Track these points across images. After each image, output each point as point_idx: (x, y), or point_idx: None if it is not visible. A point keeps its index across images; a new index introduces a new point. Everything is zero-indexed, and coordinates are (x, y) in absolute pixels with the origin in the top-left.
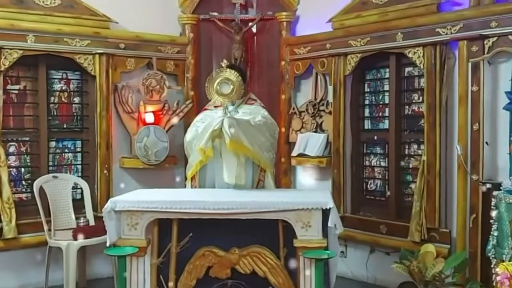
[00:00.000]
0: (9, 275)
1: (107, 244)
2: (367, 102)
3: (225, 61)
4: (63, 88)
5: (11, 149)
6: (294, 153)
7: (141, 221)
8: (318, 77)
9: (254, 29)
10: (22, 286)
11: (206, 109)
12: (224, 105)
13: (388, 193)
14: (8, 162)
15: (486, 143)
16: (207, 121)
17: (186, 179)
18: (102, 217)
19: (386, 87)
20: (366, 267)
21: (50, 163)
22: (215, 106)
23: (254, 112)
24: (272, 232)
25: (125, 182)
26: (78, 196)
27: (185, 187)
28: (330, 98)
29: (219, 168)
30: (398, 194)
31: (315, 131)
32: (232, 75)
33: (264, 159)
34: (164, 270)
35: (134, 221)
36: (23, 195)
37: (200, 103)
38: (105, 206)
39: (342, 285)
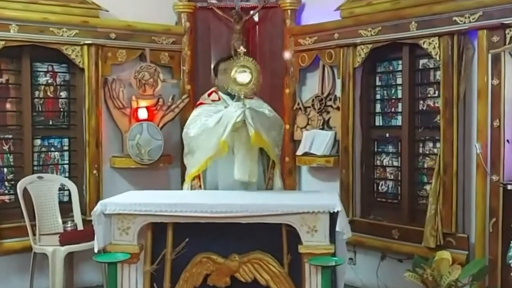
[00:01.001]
0: None
1: (96, 250)
2: (378, 96)
3: (242, 48)
4: (49, 81)
5: None
6: (299, 152)
7: (133, 225)
8: (325, 69)
9: (255, 18)
10: None
11: (202, 104)
12: (240, 96)
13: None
14: None
15: (507, 141)
16: (216, 115)
17: (183, 180)
18: (91, 221)
19: (399, 81)
20: (376, 275)
21: (35, 163)
22: (212, 100)
23: (257, 106)
24: (275, 237)
25: (116, 183)
26: (65, 198)
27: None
28: (338, 92)
29: (224, 167)
30: (411, 196)
31: (322, 128)
32: (250, 62)
33: (275, 154)
34: (158, 278)
35: (125, 225)
36: (6, 197)
37: (197, 98)
38: (94, 209)
39: None
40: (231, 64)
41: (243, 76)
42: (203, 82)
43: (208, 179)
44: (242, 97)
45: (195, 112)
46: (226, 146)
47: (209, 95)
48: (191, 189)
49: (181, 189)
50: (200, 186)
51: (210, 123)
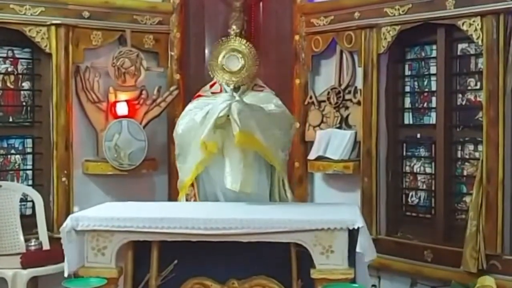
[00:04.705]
0: None
1: (66, 274)
2: (407, 89)
3: (234, 27)
4: (9, 69)
5: None
6: (311, 156)
7: (110, 244)
8: (344, 56)
9: None
10: None
11: (200, 96)
12: (229, 87)
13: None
14: None
15: None
16: (206, 107)
17: (170, 189)
18: (59, 238)
19: (433, 70)
20: None
21: None
22: (212, 93)
23: (264, 101)
24: (282, 259)
25: (90, 193)
26: (28, 211)
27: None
28: (359, 83)
29: (219, 174)
30: (448, 210)
31: (339, 127)
32: (242, 45)
33: (279, 160)
34: None
35: (101, 244)
36: None
37: (188, 90)
38: (64, 225)
39: None
40: (219, 47)
41: (232, 62)
42: (195, 70)
43: (206, 189)
44: (230, 87)
45: (189, 106)
46: (214, 146)
47: (211, 86)
48: (187, 200)
49: (170, 200)
50: (194, 195)
51: (198, 118)
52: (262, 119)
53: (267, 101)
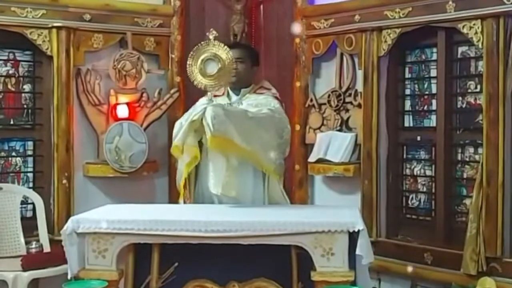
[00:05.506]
0: None
1: (70, 277)
2: (408, 92)
3: (213, 31)
4: (10, 72)
5: None
6: (312, 159)
7: (111, 247)
8: (344, 58)
9: None
10: None
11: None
12: (208, 91)
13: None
14: None
15: None
16: (189, 111)
17: (171, 191)
18: (60, 241)
19: (433, 72)
20: None
21: None
22: (215, 96)
23: (261, 104)
24: (282, 262)
25: (91, 195)
26: (29, 214)
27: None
28: (359, 86)
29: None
30: (448, 212)
31: (340, 130)
32: (221, 50)
33: (267, 162)
34: None
35: (102, 247)
36: None
37: (188, 92)
38: (65, 227)
39: None
40: (197, 52)
41: (210, 66)
42: None
43: (204, 192)
44: (209, 91)
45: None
46: (196, 151)
47: None
48: (184, 202)
49: (170, 202)
50: (188, 200)
51: (183, 121)
52: (243, 123)
53: (265, 104)
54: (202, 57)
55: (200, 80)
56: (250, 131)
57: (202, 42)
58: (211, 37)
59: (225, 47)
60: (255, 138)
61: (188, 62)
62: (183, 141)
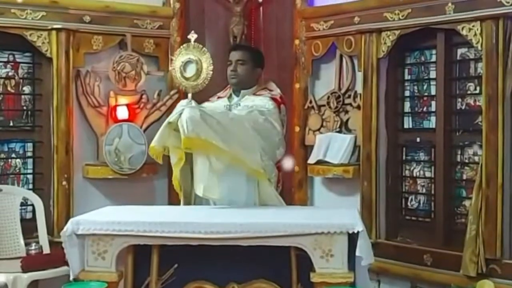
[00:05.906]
0: None
1: (71, 278)
2: (407, 93)
3: (193, 33)
4: (10, 74)
5: None
6: (311, 160)
7: (110, 248)
8: (343, 60)
9: None
10: None
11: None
12: (189, 93)
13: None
14: None
15: None
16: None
17: (170, 193)
18: (60, 242)
19: (432, 74)
20: None
21: None
22: (219, 97)
23: (257, 105)
24: (282, 263)
25: (90, 196)
26: (29, 215)
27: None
28: (358, 88)
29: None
30: (447, 214)
31: (339, 131)
32: (199, 52)
33: (252, 163)
34: None
35: (102, 248)
36: None
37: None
38: (64, 229)
39: None
40: (178, 55)
41: (189, 68)
42: None
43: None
44: (189, 93)
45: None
46: (179, 151)
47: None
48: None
49: (169, 204)
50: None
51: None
52: (221, 125)
53: (260, 105)
54: (182, 59)
55: (181, 82)
56: (230, 133)
57: (183, 45)
58: (191, 39)
59: (204, 49)
60: (236, 139)
61: (170, 66)
62: (159, 142)
